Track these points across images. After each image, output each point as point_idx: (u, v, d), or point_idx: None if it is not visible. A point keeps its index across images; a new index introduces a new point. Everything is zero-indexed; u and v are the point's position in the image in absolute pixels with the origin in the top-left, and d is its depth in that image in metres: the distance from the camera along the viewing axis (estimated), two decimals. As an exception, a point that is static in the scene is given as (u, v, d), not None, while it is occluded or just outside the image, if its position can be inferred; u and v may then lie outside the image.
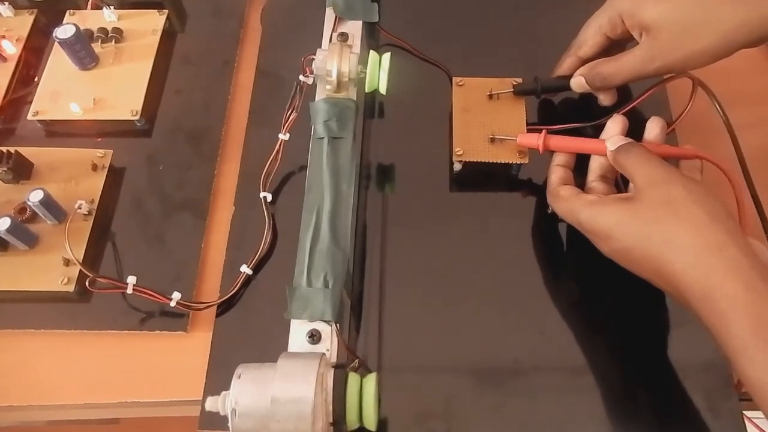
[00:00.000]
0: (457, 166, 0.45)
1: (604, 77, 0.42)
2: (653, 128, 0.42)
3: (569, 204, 0.40)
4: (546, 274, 0.43)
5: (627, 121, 0.42)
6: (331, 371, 0.32)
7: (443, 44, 0.52)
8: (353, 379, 0.32)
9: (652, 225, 0.35)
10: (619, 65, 0.42)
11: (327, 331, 0.36)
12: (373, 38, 0.52)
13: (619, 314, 0.42)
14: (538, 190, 0.45)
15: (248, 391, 0.31)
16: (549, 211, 0.43)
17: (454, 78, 0.48)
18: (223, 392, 0.32)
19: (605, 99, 0.45)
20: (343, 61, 0.41)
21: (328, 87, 0.42)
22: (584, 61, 0.45)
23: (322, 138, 0.41)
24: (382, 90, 0.42)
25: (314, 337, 0.36)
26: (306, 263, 0.38)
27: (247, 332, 0.42)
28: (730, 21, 0.38)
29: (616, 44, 0.44)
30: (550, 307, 0.42)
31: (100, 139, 0.49)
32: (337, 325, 0.36)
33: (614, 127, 0.41)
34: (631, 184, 0.40)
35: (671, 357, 0.40)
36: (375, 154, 0.49)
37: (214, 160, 0.48)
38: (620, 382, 0.40)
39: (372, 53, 0.42)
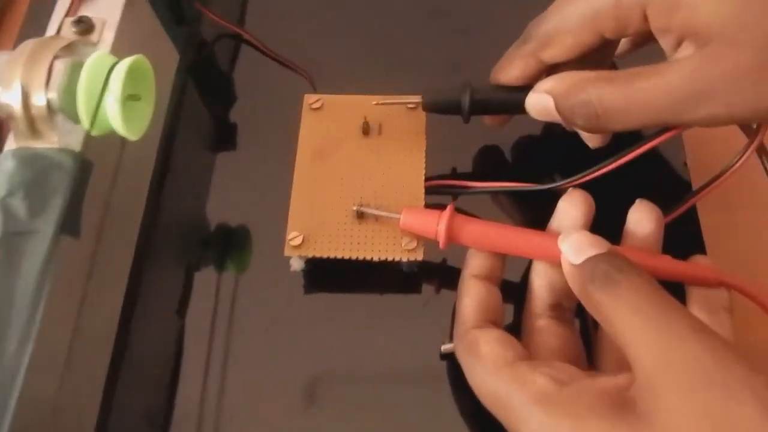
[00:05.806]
0: (297, 265, 0.25)
1: (598, 113, 0.21)
2: (643, 222, 0.22)
3: (499, 378, 0.19)
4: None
5: (591, 199, 0.22)
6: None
7: (316, 39, 0.31)
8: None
9: None
10: (636, 97, 0.20)
11: None
12: (182, 25, 0.30)
13: None
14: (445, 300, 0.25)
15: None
16: (443, 351, 0.23)
17: (306, 96, 0.27)
18: None
19: (592, 139, 0.25)
20: (35, 77, 0.20)
21: (19, 129, 0.22)
22: (550, 68, 0.23)
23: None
24: (121, 131, 0.21)
25: None
26: None
27: None
28: None
29: (615, 44, 0.24)
30: None
31: None
32: None
33: (571, 210, 0.21)
34: (617, 354, 0.20)
35: None
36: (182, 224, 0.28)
37: None
38: None
39: (98, 57, 0.21)
